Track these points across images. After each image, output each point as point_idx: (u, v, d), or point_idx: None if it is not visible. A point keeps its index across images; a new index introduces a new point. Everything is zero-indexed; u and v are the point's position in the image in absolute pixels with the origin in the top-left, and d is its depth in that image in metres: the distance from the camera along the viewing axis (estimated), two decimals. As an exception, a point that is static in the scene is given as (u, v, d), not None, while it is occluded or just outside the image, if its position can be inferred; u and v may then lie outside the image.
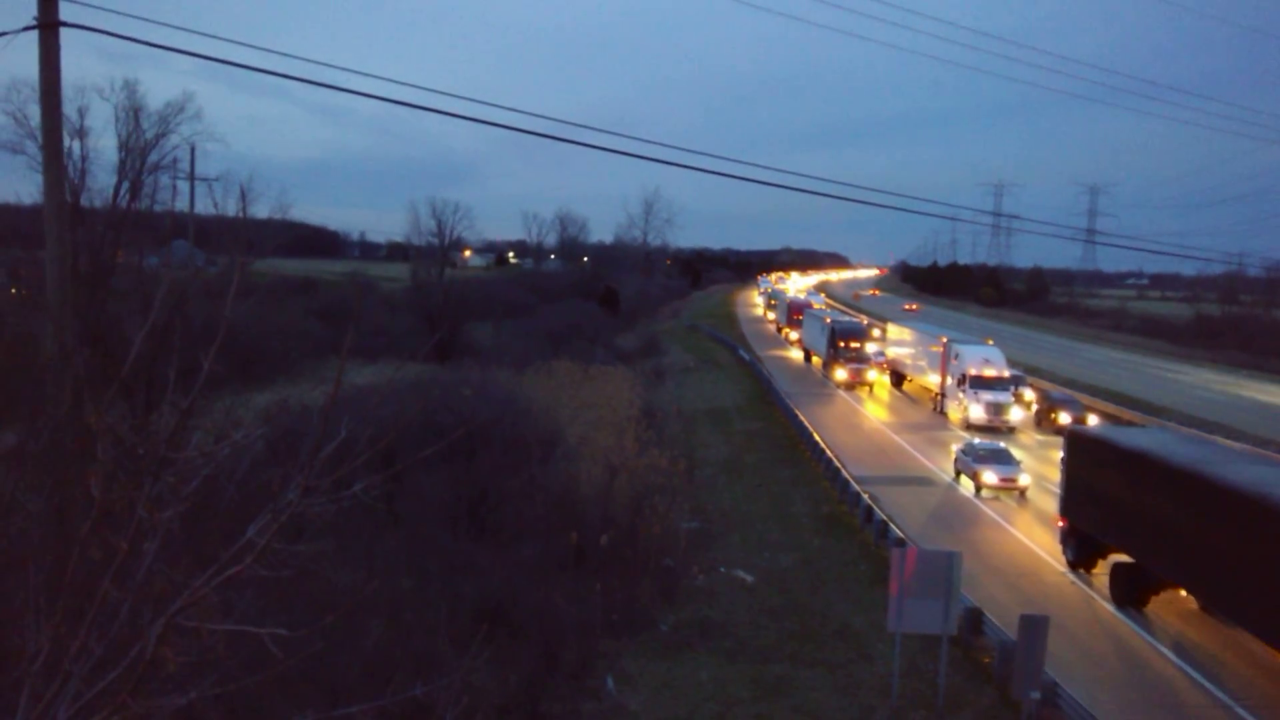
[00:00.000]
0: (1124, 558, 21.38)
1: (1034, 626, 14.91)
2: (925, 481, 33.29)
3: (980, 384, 42.11)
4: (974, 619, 19.19)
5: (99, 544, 4.25)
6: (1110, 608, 21.13)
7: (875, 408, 49.34)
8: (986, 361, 43.04)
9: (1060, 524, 24.58)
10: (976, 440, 33.96)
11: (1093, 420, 41.06)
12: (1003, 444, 33.31)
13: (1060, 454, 33.69)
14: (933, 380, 48.12)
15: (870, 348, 57.62)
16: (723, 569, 24.02)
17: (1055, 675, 16.07)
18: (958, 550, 17.75)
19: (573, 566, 21.25)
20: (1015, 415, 42.40)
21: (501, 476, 23.77)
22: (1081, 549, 23.34)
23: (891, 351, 56.88)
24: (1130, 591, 20.96)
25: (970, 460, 31.74)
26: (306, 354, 51.07)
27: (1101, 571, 22.63)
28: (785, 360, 67.98)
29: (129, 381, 19.84)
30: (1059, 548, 24.46)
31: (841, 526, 27.86)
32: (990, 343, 46.85)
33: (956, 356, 43.96)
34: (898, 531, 25.15)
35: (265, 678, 5.24)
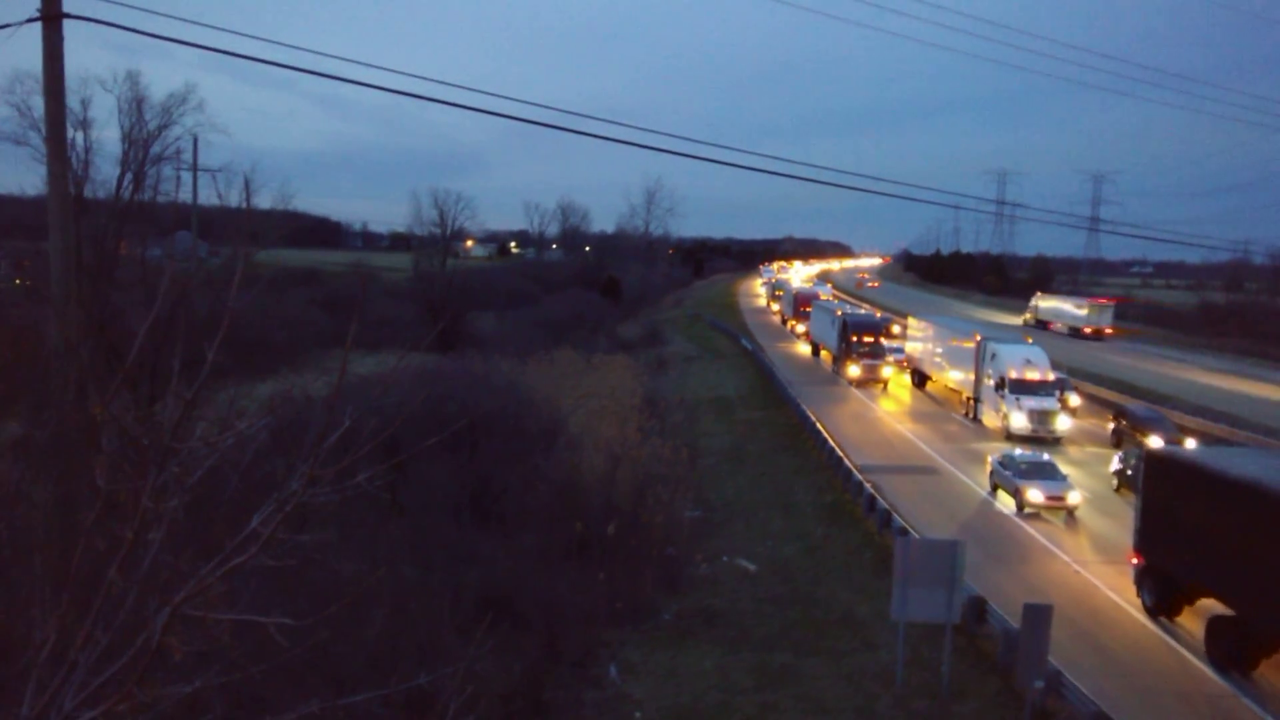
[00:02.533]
0: (1221, 608, 17.93)
1: (1038, 615, 14.94)
2: (946, 486, 30.90)
3: (1022, 388, 37.71)
4: (978, 607, 19.21)
5: (104, 534, 4.27)
6: (1209, 670, 17.49)
7: (895, 409, 44.98)
8: (1028, 363, 38.60)
9: (1134, 561, 20.69)
10: (1017, 451, 30.28)
11: (1190, 445, 33.62)
12: (1047, 455, 29.74)
13: (1113, 467, 30.72)
14: (959, 380, 43.93)
15: (887, 343, 53.34)
16: (726, 558, 24.07)
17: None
18: (961, 539, 17.78)
19: (576, 555, 21.31)
20: (1063, 424, 37.67)
21: (505, 466, 23.82)
22: (1163, 593, 19.59)
23: (912, 347, 52.24)
24: (1234, 652, 17.30)
25: (1011, 475, 27.97)
26: (309, 344, 51.18)
27: (1190, 620, 19.12)
28: (792, 354, 65.48)
29: (133, 372, 19.88)
30: (1132, 588, 20.80)
31: (844, 515, 27.89)
32: (1030, 340, 42.40)
33: (993, 356, 39.44)
34: (901, 520, 25.16)
35: (270, 667, 5.27)
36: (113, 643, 4.10)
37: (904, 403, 47.28)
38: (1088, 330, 79.03)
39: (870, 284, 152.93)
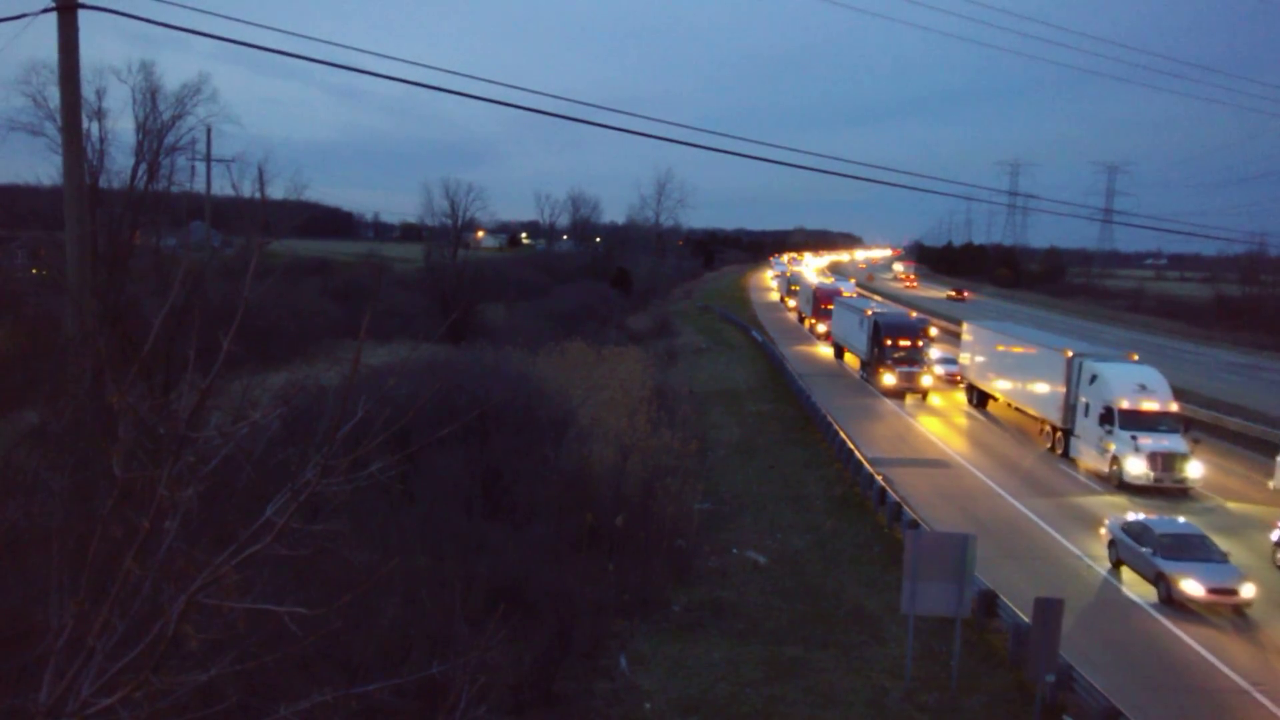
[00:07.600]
0: None
1: (1048, 609, 14.91)
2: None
3: (1137, 422, 29.24)
4: (987, 601, 19.18)
5: (120, 522, 4.30)
6: None
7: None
8: (1142, 388, 30.17)
9: None
10: (1145, 516, 22.58)
11: None
12: (1184, 519, 22.50)
13: (1275, 536, 22.96)
14: (1008, 391, 37.79)
15: (937, 353, 47.62)
16: (735, 550, 24.10)
17: None
18: (972, 533, 17.73)
19: (586, 547, 21.36)
20: (1194, 471, 28.70)
21: (515, 457, 23.86)
22: None
23: (966, 359, 44.22)
24: None
25: (1149, 552, 20.56)
26: (321, 335, 51.37)
27: None
28: (812, 357, 59.48)
29: (148, 361, 19.98)
30: None
31: (854, 508, 27.86)
32: (1135, 358, 33.41)
33: (1094, 379, 31.21)
34: (911, 514, 25.11)
35: (284, 655, 5.30)
36: (129, 630, 4.13)
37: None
38: (903, 277, 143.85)
39: (860, 265, 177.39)
